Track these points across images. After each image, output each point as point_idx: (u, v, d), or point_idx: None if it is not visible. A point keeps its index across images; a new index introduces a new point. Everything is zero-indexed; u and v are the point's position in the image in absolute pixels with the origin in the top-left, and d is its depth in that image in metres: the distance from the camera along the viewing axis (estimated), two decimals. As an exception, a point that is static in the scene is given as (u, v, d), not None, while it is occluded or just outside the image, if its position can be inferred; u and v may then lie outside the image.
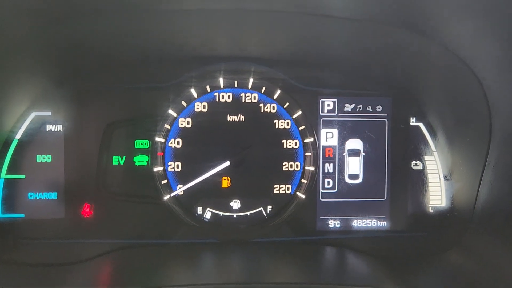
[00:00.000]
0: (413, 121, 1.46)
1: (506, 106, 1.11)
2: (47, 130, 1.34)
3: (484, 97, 1.15)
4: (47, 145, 1.34)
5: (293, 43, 1.29)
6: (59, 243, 1.33)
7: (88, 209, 1.36)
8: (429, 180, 1.46)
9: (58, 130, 1.35)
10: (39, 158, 1.34)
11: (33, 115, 1.33)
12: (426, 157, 1.45)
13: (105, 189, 1.37)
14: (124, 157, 1.38)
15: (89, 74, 1.37)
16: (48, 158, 1.34)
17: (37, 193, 1.35)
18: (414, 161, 1.46)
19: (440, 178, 1.45)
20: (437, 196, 1.45)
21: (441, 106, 1.39)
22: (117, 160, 1.38)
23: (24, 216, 1.34)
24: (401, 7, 0.98)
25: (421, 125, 1.45)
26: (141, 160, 1.38)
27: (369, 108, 1.45)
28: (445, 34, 1.06)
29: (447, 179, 1.43)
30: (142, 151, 1.39)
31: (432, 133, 1.44)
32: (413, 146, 1.46)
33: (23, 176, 1.33)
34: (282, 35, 1.23)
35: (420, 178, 1.46)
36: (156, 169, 1.38)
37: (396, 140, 1.46)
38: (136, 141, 1.38)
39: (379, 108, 1.45)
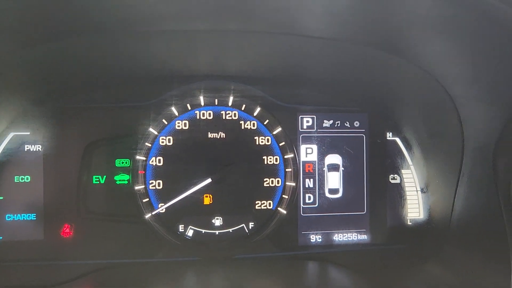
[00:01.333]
0: (389, 136, 1.49)
1: (476, 120, 1.15)
2: (25, 150, 1.33)
3: (456, 112, 1.19)
4: (26, 165, 1.33)
5: (272, 62, 1.32)
6: (39, 265, 1.30)
7: (68, 230, 1.34)
8: (407, 193, 1.49)
9: (37, 150, 1.33)
10: (17, 179, 1.32)
11: (11, 135, 1.32)
12: (403, 171, 1.49)
13: (86, 208, 1.36)
14: (105, 176, 1.37)
15: (69, 94, 1.37)
16: (27, 179, 1.33)
17: (15, 214, 1.32)
18: (391, 175, 1.49)
19: (417, 191, 1.48)
20: (414, 209, 1.49)
21: (416, 121, 1.43)
22: (97, 179, 1.37)
23: (1, 238, 1.31)
24: (375, 28, 1.01)
25: (397, 139, 1.49)
26: (122, 178, 1.38)
27: (347, 124, 1.48)
28: (417, 54, 1.10)
29: (424, 192, 1.47)
30: (123, 170, 1.38)
31: (408, 147, 1.48)
32: (390, 160, 1.49)
33: (0, 197, 1.31)
34: (261, 54, 1.26)
35: (398, 192, 1.49)
36: (137, 187, 1.38)
37: (373, 155, 1.49)
38: (116, 160, 1.38)
39: (356, 123, 1.48)
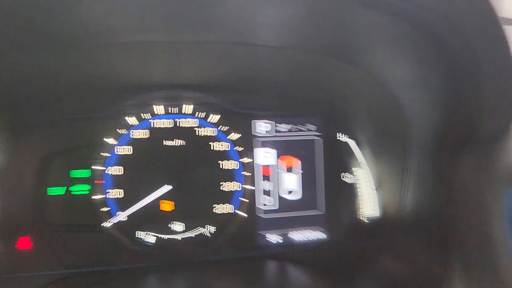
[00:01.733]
0: (342, 138, 1.55)
1: (419, 120, 1.20)
2: (-20, 164, 1.30)
3: (401, 113, 1.25)
4: None
5: (226, 70, 1.35)
6: (-4, 279, 1.28)
7: (25, 242, 1.32)
8: (362, 191, 1.54)
9: (-9, 164, 1.31)
10: (-29, 193, 1.29)
11: (-36, 149, 1.29)
12: (357, 170, 1.54)
13: (44, 220, 1.34)
14: (62, 187, 1.36)
15: (23, 106, 1.35)
16: (-19, 193, 1.30)
17: (-31, 229, 1.29)
18: (346, 175, 1.55)
19: (371, 189, 1.54)
20: (370, 207, 1.53)
21: (365, 122, 1.49)
22: (54, 191, 1.36)
23: (-44, 255, 1.27)
24: (323, 36, 1.05)
25: (350, 141, 1.54)
26: (79, 189, 1.37)
27: (301, 127, 1.53)
28: (363, 59, 1.15)
29: (377, 190, 1.52)
30: (81, 180, 1.38)
31: (360, 147, 1.54)
32: (345, 161, 1.54)
33: (-46, 214, 1.27)
34: (216, 63, 1.29)
35: (353, 191, 1.54)
36: (95, 197, 1.38)
37: (328, 156, 1.55)
38: (73, 171, 1.38)
39: (310, 127, 1.54)
